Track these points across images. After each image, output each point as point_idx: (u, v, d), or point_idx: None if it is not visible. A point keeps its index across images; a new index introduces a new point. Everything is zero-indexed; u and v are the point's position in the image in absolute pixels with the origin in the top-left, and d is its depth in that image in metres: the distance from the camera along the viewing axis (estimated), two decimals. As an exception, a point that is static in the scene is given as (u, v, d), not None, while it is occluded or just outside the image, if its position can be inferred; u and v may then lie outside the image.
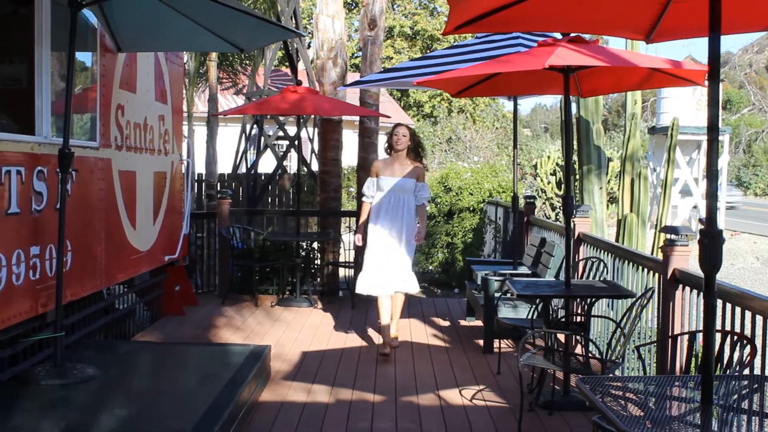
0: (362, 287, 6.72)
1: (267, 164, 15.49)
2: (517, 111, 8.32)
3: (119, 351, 6.08)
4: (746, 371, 3.43)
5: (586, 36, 5.09)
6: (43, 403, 4.54)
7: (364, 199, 6.94)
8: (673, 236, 4.82)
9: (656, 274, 5.17)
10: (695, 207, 27.40)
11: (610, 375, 4.66)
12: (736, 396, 2.95)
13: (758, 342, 3.66)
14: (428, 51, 35.16)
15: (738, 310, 3.97)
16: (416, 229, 6.74)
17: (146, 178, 7.09)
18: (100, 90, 6.03)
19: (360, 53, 11.28)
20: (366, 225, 6.88)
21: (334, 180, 10.58)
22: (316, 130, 12.15)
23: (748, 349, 3.45)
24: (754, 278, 21.72)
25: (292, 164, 17.13)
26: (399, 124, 6.93)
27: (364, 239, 6.89)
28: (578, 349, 6.09)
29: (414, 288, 6.77)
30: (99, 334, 6.55)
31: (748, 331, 3.80)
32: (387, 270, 6.65)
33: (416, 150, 6.82)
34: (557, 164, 23.01)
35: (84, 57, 6.08)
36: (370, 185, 6.87)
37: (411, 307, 8.61)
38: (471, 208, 13.39)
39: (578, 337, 5.82)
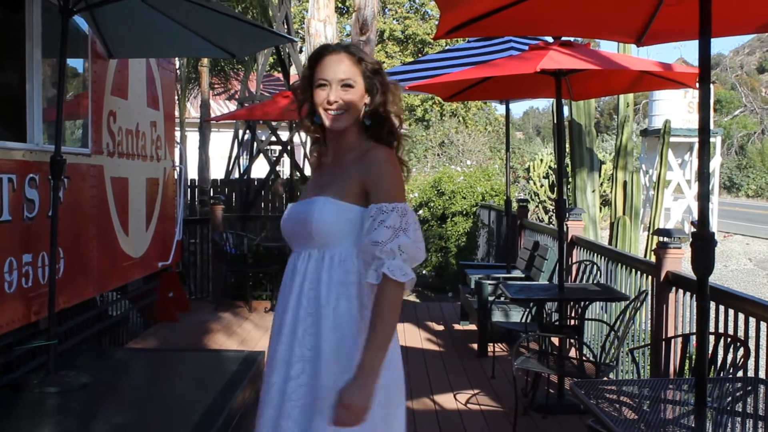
0: None
1: (260, 169, 15.46)
2: (509, 114, 8.34)
3: (113, 358, 6.06)
4: (740, 373, 3.44)
5: (579, 39, 5.10)
6: (37, 411, 4.52)
7: None
8: (665, 239, 4.83)
9: (649, 277, 5.17)
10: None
11: (604, 378, 4.67)
12: (729, 398, 2.95)
13: (751, 344, 3.66)
14: (420, 55, 35.15)
15: (731, 312, 3.97)
16: (351, 359, 2.17)
17: (138, 184, 7.07)
18: (91, 96, 6.01)
19: (352, 58, 11.28)
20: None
21: (327, 185, 10.56)
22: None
23: (741, 351, 3.46)
24: (747, 280, 21.77)
25: (284, 169, 17.08)
26: (327, 46, 2.37)
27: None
28: (572, 353, 6.10)
29: None
30: (92, 341, 6.53)
31: (741, 333, 3.80)
32: None
33: (378, 115, 2.35)
34: (550, 167, 23.04)
35: (75, 63, 6.06)
36: None
37: (405, 312, 8.56)
38: (464, 212, 13.39)
39: (572, 341, 5.82)
